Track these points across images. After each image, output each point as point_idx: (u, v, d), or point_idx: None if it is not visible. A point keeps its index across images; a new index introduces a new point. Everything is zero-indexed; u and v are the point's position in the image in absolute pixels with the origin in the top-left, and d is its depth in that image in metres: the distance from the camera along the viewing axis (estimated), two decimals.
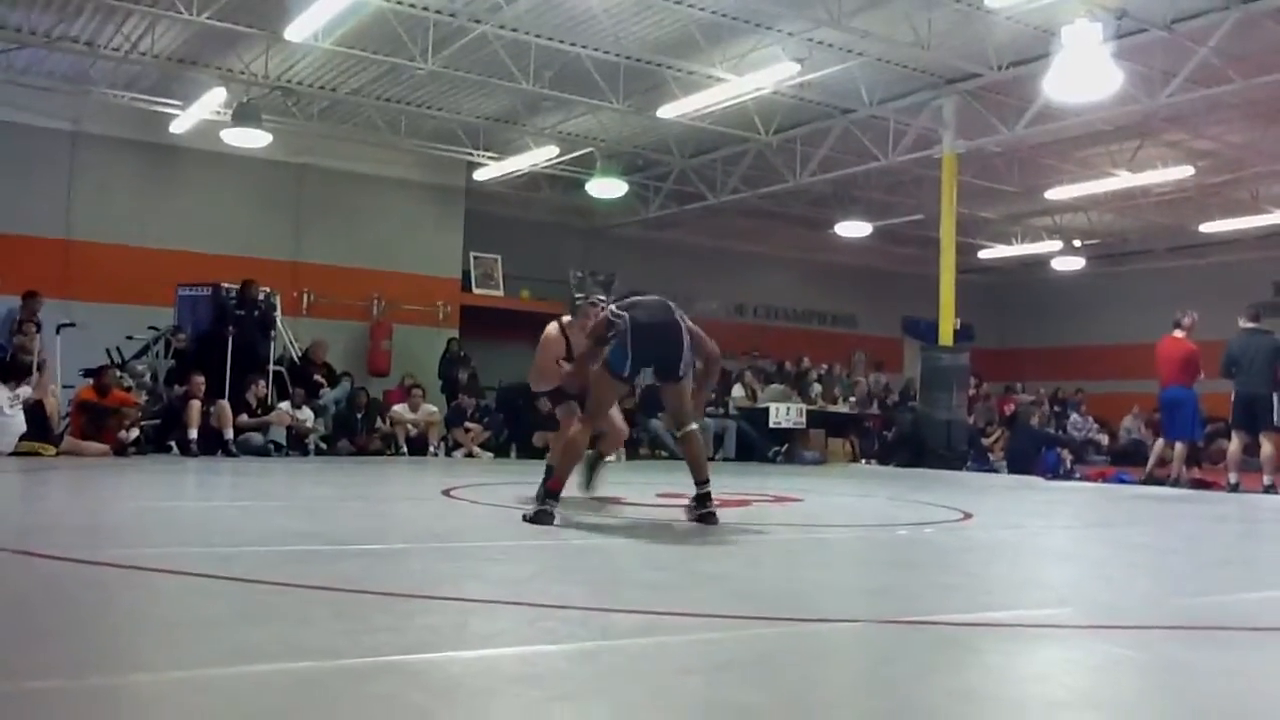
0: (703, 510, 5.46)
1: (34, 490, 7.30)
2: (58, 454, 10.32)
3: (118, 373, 11.91)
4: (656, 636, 2.80)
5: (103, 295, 14.43)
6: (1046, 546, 6.07)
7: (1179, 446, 11.12)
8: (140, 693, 2.10)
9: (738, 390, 16.32)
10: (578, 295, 6.70)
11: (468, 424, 13.98)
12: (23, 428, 10.28)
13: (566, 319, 6.93)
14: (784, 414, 15.94)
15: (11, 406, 10.27)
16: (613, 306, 5.66)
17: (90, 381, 11.44)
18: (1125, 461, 15.48)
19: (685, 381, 5.60)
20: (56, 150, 15.00)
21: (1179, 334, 11.16)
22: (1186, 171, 16.14)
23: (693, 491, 5.61)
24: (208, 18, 11.63)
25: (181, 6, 11.47)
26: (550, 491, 5.28)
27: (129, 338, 13.42)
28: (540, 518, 5.16)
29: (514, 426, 14.60)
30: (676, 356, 5.50)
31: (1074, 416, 18.29)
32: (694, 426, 5.64)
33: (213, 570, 3.53)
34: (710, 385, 6.34)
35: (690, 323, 5.61)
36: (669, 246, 20.53)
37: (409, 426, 13.60)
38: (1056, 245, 21.12)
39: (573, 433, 5.57)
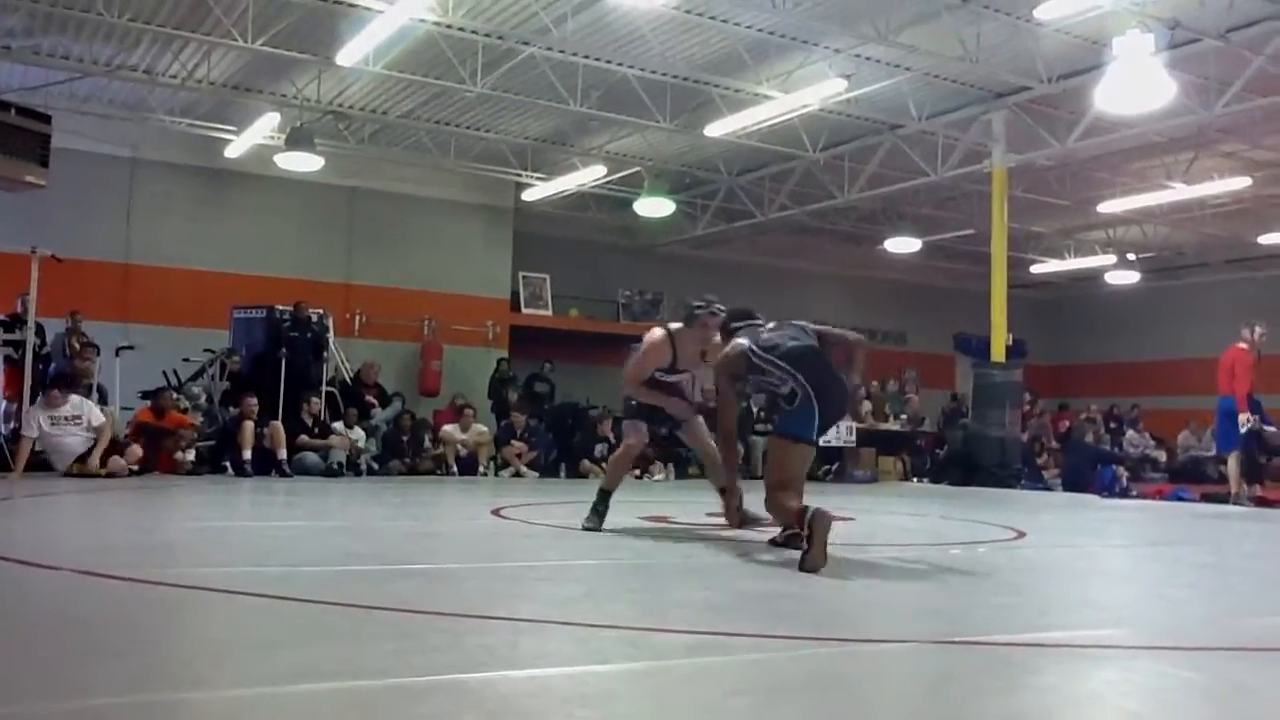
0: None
1: (92, 510, 7.43)
2: (107, 474, 10.32)
3: (174, 395, 12.10)
4: (706, 657, 2.80)
5: (159, 318, 14.73)
6: (1102, 566, 5.98)
7: (1231, 461, 10.90)
8: (198, 710, 2.14)
9: None
10: (697, 304, 6.03)
11: (514, 442, 14.04)
12: (77, 450, 10.37)
13: (675, 326, 6.18)
14: (834, 432, 15.84)
15: (54, 424, 10.29)
16: (755, 344, 5.10)
17: (148, 403, 11.65)
18: (1183, 479, 15.19)
19: None
20: (116, 176, 15.34)
21: (1241, 345, 10.96)
22: (1244, 182, 15.89)
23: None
24: (262, 45, 11.85)
25: (236, 34, 11.70)
26: (798, 523, 4.63)
27: (185, 360, 13.63)
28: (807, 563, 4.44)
29: (563, 447, 14.66)
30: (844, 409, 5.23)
31: (1130, 433, 18.00)
32: None
33: (269, 590, 3.58)
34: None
35: (819, 329, 5.28)
36: (717, 264, 20.51)
37: (459, 446, 13.69)
38: (1110, 259, 20.85)
39: (781, 500, 4.83)
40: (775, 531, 5.42)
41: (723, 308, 5.96)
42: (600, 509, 6.10)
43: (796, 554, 4.51)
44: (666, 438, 6.97)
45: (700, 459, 6.92)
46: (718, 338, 6.02)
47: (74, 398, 10.55)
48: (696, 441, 6.42)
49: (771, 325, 5.31)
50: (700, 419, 6.35)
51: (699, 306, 5.99)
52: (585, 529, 5.98)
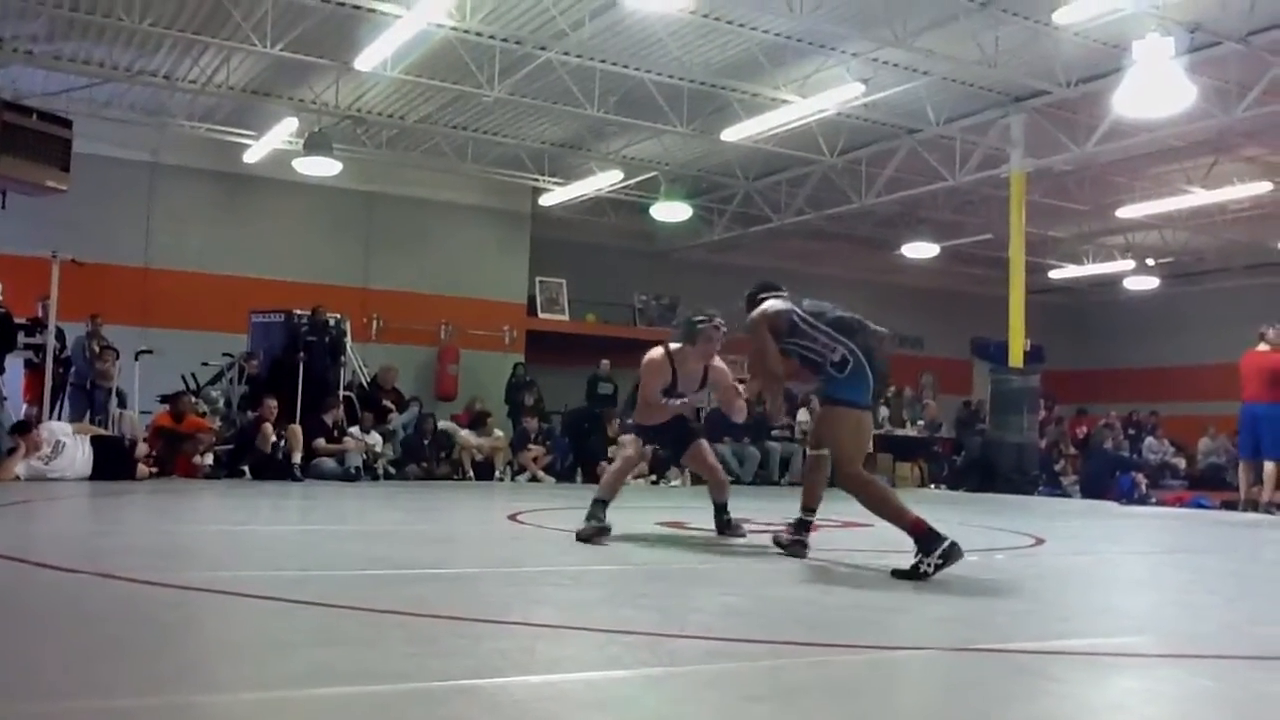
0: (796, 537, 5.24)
1: (111, 514, 7.47)
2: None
3: (193, 399, 12.14)
4: (724, 663, 2.79)
5: (179, 322, 14.80)
6: (1122, 573, 5.94)
7: (1269, 466, 10.77)
8: (216, 713, 2.14)
9: (803, 415, 16.20)
10: (698, 319, 5.76)
11: (530, 446, 14.05)
12: (79, 468, 9.91)
13: (675, 345, 5.88)
14: None
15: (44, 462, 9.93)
16: (800, 310, 4.93)
17: (166, 407, 11.69)
18: (1203, 486, 15.09)
19: None
20: (136, 180, 15.44)
21: (1264, 347, 10.87)
22: (1265, 187, 15.77)
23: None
24: (281, 50, 11.90)
25: (255, 39, 11.76)
26: (919, 535, 4.75)
27: (204, 364, 13.70)
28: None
29: (579, 451, 14.67)
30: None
31: (1149, 440, 17.88)
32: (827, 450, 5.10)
33: (285, 594, 3.58)
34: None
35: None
36: (734, 269, 20.38)
37: (475, 451, 13.71)
38: (1129, 264, 20.74)
39: (860, 477, 4.98)
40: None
41: (724, 322, 5.75)
42: (599, 516, 5.57)
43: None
44: (665, 460, 6.85)
45: (705, 479, 6.52)
46: (718, 360, 5.93)
47: (45, 430, 10.00)
48: (699, 464, 6.32)
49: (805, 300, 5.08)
50: (704, 441, 6.30)
51: (701, 321, 5.72)
52: (579, 540, 5.46)
